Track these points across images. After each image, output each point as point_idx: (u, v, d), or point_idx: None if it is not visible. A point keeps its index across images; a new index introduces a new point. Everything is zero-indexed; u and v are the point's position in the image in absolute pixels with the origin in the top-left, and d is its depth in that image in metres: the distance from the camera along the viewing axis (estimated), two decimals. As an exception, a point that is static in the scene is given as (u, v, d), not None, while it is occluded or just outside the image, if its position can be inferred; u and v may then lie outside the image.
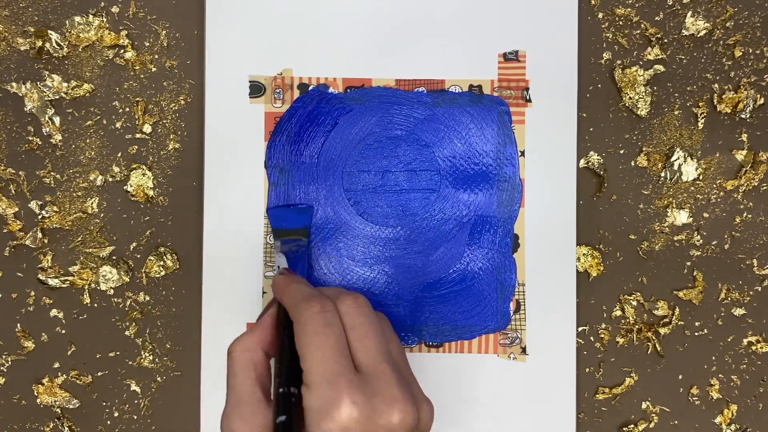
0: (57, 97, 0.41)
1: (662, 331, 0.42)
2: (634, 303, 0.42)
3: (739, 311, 0.42)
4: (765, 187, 0.42)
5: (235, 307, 0.41)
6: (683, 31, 0.41)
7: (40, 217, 0.42)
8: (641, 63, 0.41)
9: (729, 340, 0.42)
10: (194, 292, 0.41)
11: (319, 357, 0.29)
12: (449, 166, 0.41)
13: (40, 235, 0.41)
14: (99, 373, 0.42)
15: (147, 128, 0.41)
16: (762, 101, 0.41)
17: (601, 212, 0.42)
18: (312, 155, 0.41)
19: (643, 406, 0.42)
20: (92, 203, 0.42)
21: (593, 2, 0.41)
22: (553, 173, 0.41)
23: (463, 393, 0.41)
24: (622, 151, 0.42)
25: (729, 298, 0.42)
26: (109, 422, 0.42)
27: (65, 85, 0.41)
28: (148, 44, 0.41)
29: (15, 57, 0.41)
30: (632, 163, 0.42)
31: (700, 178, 0.42)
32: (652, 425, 0.42)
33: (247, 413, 0.30)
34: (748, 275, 0.42)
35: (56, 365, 0.42)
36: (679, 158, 0.41)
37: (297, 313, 0.30)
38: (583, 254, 0.41)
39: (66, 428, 0.42)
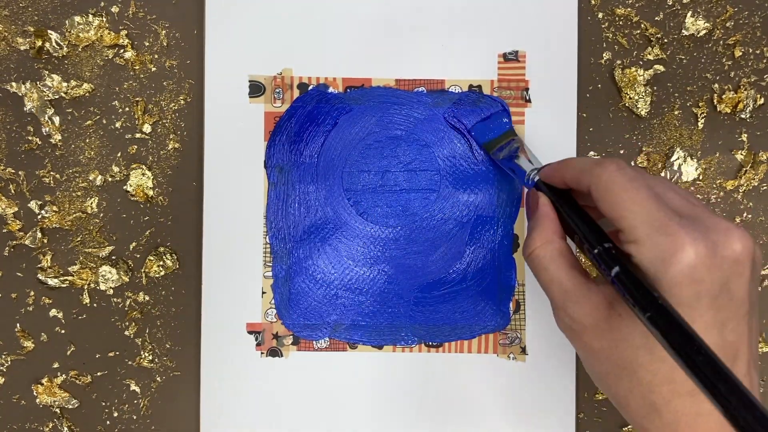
0: (57, 96, 0.41)
1: (662, 331, 0.41)
2: (634, 303, 0.42)
3: (739, 311, 0.42)
4: (765, 188, 0.42)
5: (235, 307, 0.41)
6: (683, 31, 0.41)
7: (39, 216, 0.41)
8: (641, 63, 0.41)
9: (729, 340, 0.42)
10: (194, 292, 0.41)
11: (640, 210, 0.27)
12: (449, 166, 0.41)
13: (39, 235, 0.41)
14: (98, 373, 0.42)
15: (147, 128, 0.41)
16: (762, 101, 0.41)
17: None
18: (312, 155, 0.41)
19: (643, 406, 0.42)
20: (92, 203, 0.42)
21: (593, 2, 0.41)
22: (553, 173, 0.41)
23: (462, 393, 0.41)
24: (622, 151, 0.42)
25: (729, 298, 0.42)
26: (108, 422, 0.42)
27: (65, 84, 0.41)
28: (147, 44, 0.41)
29: (15, 57, 0.41)
30: (632, 163, 0.42)
31: (700, 178, 0.42)
32: (652, 425, 0.42)
33: (579, 296, 0.29)
34: (748, 275, 0.42)
35: (56, 365, 0.42)
36: (679, 158, 0.41)
37: (594, 178, 0.29)
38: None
39: (65, 428, 0.42)
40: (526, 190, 0.34)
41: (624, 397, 0.29)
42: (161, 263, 0.41)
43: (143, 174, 0.41)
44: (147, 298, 0.42)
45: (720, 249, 0.27)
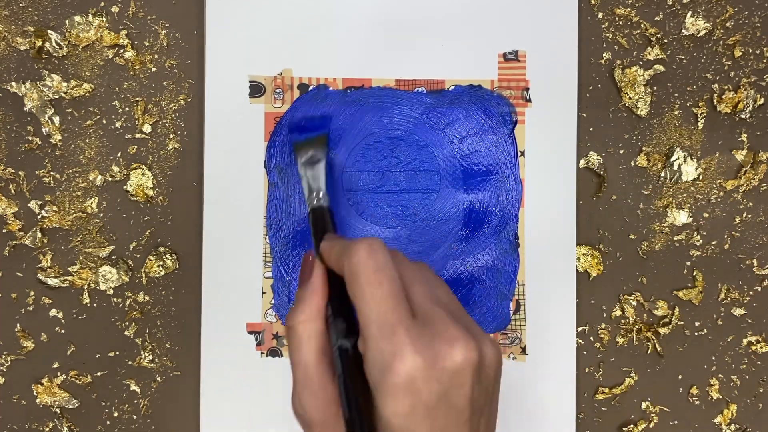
0: (57, 96, 0.41)
1: (662, 331, 0.42)
2: (634, 303, 0.42)
3: (738, 311, 0.42)
4: (765, 187, 0.42)
5: (234, 307, 0.41)
6: (683, 31, 0.41)
7: (39, 216, 0.41)
8: (641, 63, 0.41)
9: (729, 340, 0.42)
10: (194, 292, 0.41)
11: (374, 308, 0.27)
12: (449, 166, 0.41)
13: (39, 234, 0.41)
14: (98, 373, 0.42)
15: (147, 128, 0.41)
16: (762, 101, 0.41)
17: (601, 212, 0.42)
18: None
19: (643, 406, 0.42)
20: (92, 203, 0.42)
21: (593, 2, 0.41)
22: (553, 173, 0.41)
23: (463, 393, 0.41)
24: (622, 151, 0.42)
25: (729, 298, 0.42)
26: (108, 422, 0.42)
27: (65, 84, 0.41)
28: (147, 44, 0.41)
29: (15, 57, 0.41)
30: (632, 163, 0.42)
31: (700, 178, 0.42)
32: (651, 425, 0.42)
33: (317, 387, 0.29)
34: (747, 275, 0.42)
35: (56, 365, 0.42)
36: (679, 158, 0.41)
37: (346, 261, 0.28)
38: (583, 254, 0.41)
39: (65, 428, 0.42)
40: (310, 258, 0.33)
41: None
42: (161, 263, 0.41)
43: (143, 174, 0.41)
44: (147, 298, 0.42)
45: (440, 360, 0.26)
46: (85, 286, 0.42)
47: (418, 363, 0.26)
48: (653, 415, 0.42)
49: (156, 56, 0.41)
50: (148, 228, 0.42)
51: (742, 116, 0.41)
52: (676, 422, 0.42)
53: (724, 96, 0.41)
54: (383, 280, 0.27)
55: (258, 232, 0.41)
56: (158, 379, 0.42)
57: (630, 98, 0.41)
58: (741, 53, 0.41)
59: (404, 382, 0.26)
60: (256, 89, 0.41)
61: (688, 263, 0.42)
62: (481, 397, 0.27)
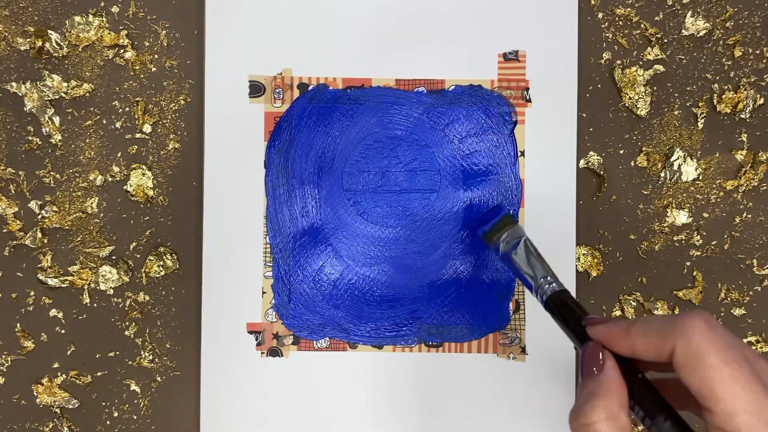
0: (57, 96, 0.41)
1: (662, 331, 0.42)
2: (634, 303, 0.42)
3: (738, 311, 0.42)
4: (765, 187, 0.42)
5: (234, 307, 0.41)
6: (683, 31, 0.41)
7: (39, 216, 0.41)
8: (641, 63, 0.41)
9: (729, 340, 0.42)
10: (194, 292, 0.41)
11: (742, 394, 0.23)
12: (449, 166, 0.41)
13: (39, 234, 0.41)
14: (98, 373, 0.42)
15: (147, 128, 0.41)
16: (762, 101, 0.41)
17: (601, 212, 0.42)
18: (312, 155, 0.41)
19: (643, 406, 0.42)
20: (92, 203, 0.42)
21: (593, 2, 0.41)
22: (553, 173, 0.41)
23: (462, 393, 0.41)
24: (621, 151, 0.42)
25: (729, 298, 0.42)
26: (108, 422, 0.42)
27: (65, 84, 0.41)
28: (148, 44, 0.41)
29: (15, 57, 0.41)
30: (632, 163, 0.42)
31: (700, 178, 0.42)
32: (651, 425, 0.42)
33: None
34: (747, 275, 0.42)
35: (56, 365, 0.42)
36: (678, 158, 0.41)
37: (681, 339, 0.25)
38: (583, 254, 0.41)
39: (65, 428, 0.42)
40: (578, 349, 0.31)
41: None
42: (161, 263, 0.41)
43: (143, 174, 0.41)
44: (147, 298, 0.42)
45: None
46: (85, 286, 0.42)
47: None
48: (653, 415, 0.42)
49: (156, 56, 0.41)
50: (148, 228, 0.42)
51: (742, 116, 0.41)
52: (676, 422, 0.42)
53: (724, 96, 0.41)
54: (741, 360, 0.24)
55: (258, 232, 0.41)
56: (158, 379, 0.42)
57: (630, 98, 0.41)
58: (741, 53, 0.41)
59: None
60: (256, 89, 0.41)
61: (688, 263, 0.42)
62: None
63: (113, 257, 0.42)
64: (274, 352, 0.41)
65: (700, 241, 0.42)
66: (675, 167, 0.41)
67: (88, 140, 0.41)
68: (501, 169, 0.41)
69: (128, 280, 0.42)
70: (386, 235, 0.41)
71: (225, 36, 0.41)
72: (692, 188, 0.42)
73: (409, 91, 0.41)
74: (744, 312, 0.42)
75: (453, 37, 0.41)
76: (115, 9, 0.41)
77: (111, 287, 0.42)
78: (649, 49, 0.41)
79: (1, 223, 0.42)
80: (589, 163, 0.41)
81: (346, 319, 0.41)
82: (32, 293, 0.42)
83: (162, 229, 0.42)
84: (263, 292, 0.41)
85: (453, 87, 0.41)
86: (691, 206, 0.42)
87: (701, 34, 0.41)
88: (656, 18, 0.41)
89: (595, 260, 0.41)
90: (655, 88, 0.41)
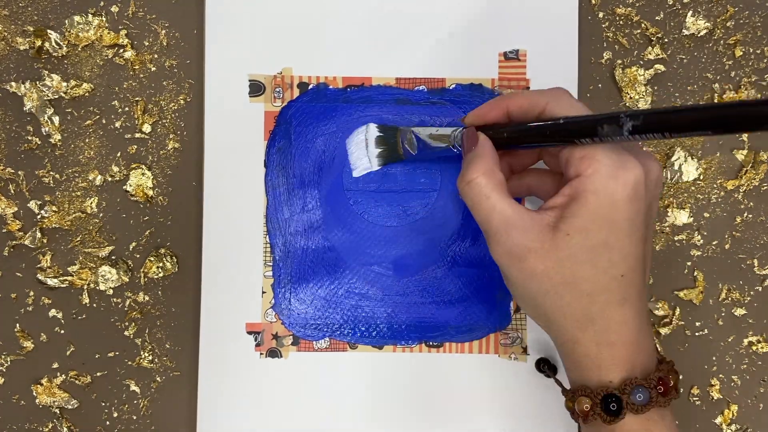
0: (56, 96, 0.41)
1: (663, 331, 0.41)
2: (635, 303, 0.42)
3: (739, 311, 0.42)
4: (765, 187, 0.42)
5: (234, 307, 0.41)
6: (684, 30, 0.41)
7: (39, 216, 0.41)
8: (642, 62, 0.41)
9: (729, 340, 0.42)
10: (193, 292, 0.41)
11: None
12: (449, 165, 0.41)
13: (39, 234, 0.41)
14: (98, 374, 0.42)
15: (146, 128, 0.41)
16: (762, 101, 0.41)
17: (602, 212, 0.41)
18: (312, 155, 0.41)
19: (644, 406, 0.42)
20: (91, 203, 0.41)
21: (593, 2, 0.41)
22: (554, 173, 0.41)
23: (463, 393, 0.41)
24: (622, 151, 0.41)
25: (729, 298, 0.42)
26: (108, 422, 0.42)
27: (64, 84, 0.41)
28: (147, 44, 0.41)
29: (14, 56, 0.41)
30: (633, 163, 0.41)
31: (701, 177, 0.42)
32: (652, 425, 0.42)
33: (525, 222, 0.31)
34: (748, 275, 0.42)
35: (55, 365, 0.42)
36: (679, 158, 0.41)
37: (551, 95, 0.32)
38: (584, 254, 0.41)
39: (65, 428, 0.42)
40: (457, 136, 0.36)
41: (561, 311, 0.31)
42: (161, 265, 0.41)
43: (143, 174, 0.41)
44: (146, 298, 0.42)
45: (649, 174, 0.30)
46: (85, 287, 0.42)
47: (640, 173, 0.30)
48: (654, 415, 0.42)
49: (156, 56, 0.41)
50: (147, 228, 0.42)
51: (743, 116, 0.41)
52: (676, 422, 0.42)
53: (724, 96, 0.41)
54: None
55: (258, 232, 0.41)
56: (158, 379, 0.42)
57: (630, 98, 0.41)
58: (742, 53, 0.41)
59: (633, 189, 0.29)
60: (256, 88, 0.41)
61: (689, 263, 0.42)
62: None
63: (113, 257, 0.42)
64: (274, 353, 0.41)
65: (701, 241, 0.42)
66: (676, 167, 0.41)
67: (87, 140, 0.41)
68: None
69: (128, 280, 0.41)
70: (386, 234, 0.41)
71: (225, 35, 0.41)
72: (693, 188, 0.42)
73: (410, 90, 0.41)
74: (745, 312, 0.41)
75: (454, 36, 0.41)
76: (114, 8, 0.41)
77: (110, 287, 0.41)
78: (649, 48, 0.41)
79: (1, 223, 0.42)
80: (590, 163, 0.41)
81: (346, 319, 0.41)
82: (32, 293, 0.42)
83: (162, 229, 0.42)
84: (263, 292, 0.41)
85: (453, 86, 0.41)
86: (692, 206, 0.41)
87: (702, 33, 0.41)
88: (657, 17, 0.41)
89: (596, 260, 0.41)
90: (655, 87, 0.41)
